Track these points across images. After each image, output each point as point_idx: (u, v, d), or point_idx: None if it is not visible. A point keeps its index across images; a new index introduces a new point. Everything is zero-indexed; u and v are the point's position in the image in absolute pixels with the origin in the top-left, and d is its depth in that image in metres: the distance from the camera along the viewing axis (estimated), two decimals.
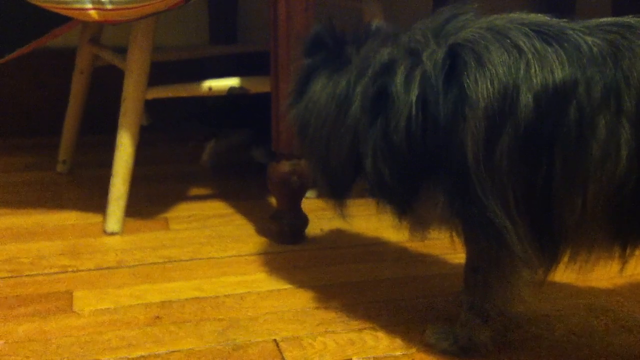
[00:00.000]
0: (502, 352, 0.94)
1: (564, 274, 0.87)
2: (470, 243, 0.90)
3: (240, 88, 1.32)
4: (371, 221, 1.37)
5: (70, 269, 1.15)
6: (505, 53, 0.79)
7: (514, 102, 0.78)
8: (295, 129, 0.96)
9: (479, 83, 0.79)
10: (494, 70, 0.79)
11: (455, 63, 0.81)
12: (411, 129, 0.82)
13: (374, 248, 1.26)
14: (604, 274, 0.86)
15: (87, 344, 0.94)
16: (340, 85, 0.89)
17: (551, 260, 0.85)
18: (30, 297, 1.06)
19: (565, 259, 0.85)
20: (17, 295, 1.07)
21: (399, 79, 0.83)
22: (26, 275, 1.13)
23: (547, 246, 0.84)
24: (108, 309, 1.03)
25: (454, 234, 0.89)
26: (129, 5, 1.16)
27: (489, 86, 0.78)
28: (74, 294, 1.07)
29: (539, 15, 0.83)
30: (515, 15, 0.84)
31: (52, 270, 1.15)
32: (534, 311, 1.04)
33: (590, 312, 1.04)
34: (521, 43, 0.79)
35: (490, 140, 0.79)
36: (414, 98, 0.82)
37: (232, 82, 1.32)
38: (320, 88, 0.91)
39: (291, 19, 1.16)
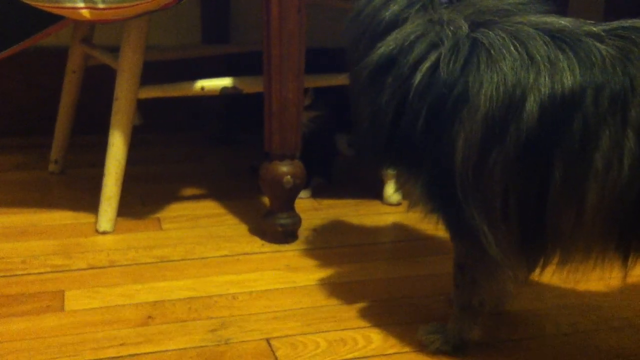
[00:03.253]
0: (493, 352, 0.94)
1: (554, 274, 0.88)
2: (454, 239, 0.91)
3: (233, 88, 1.32)
4: (364, 221, 1.38)
5: (62, 269, 1.15)
6: (518, 61, 0.79)
7: (518, 110, 0.78)
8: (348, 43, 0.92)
9: (484, 87, 0.79)
10: (502, 77, 0.79)
11: (469, 59, 0.81)
12: (405, 107, 0.83)
13: (367, 248, 1.27)
14: (593, 274, 0.87)
15: (79, 343, 0.94)
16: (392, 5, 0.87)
17: (536, 264, 0.86)
18: (21, 296, 1.06)
19: (554, 263, 0.85)
20: (8, 295, 1.06)
21: (413, 57, 0.83)
22: (18, 275, 1.13)
23: (534, 251, 0.84)
24: (100, 308, 1.03)
25: (438, 227, 0.91)
26: (121, 5, 1.16)
27: (494, 92, 0.78)
28: (65, 293, 1.07)
29: (566, 19, 0.83)
30: (546, 18, 0.83)
31: (44, 270, 1.15)
32: (524, 311, 1.04)
33: (580, 311, 1.05)
34: (535, 52, 0.79)
35: (485, 147, 0.79)
36: (417, 80, 0.82)
37: (225, 82, 1.32)
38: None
39: (284, 19, 1.17)
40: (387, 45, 0.85)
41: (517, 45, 0.80)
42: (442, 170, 0.83)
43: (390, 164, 0.94)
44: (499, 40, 0.81)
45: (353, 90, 0.92)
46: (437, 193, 0.86)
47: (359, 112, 0.90)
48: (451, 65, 0.81)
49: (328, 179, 1.54)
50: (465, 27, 0.83)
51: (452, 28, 0.83)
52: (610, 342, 0.97)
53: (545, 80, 0.78)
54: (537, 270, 0.88)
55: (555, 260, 0.85)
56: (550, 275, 0.89)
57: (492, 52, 0.80)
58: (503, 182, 0.80)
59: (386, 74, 0.85)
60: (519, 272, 0.91)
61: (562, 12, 0.85)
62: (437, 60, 0.82)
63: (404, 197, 0.96)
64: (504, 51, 0.80)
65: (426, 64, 0.82)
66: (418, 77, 0.82)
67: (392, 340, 0.96)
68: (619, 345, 0.97)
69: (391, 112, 0.85)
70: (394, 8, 0.86)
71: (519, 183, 0.80)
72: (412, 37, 0.84)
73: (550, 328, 1.00)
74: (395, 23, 0.86)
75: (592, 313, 1.04)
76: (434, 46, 0.83)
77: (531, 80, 0.78)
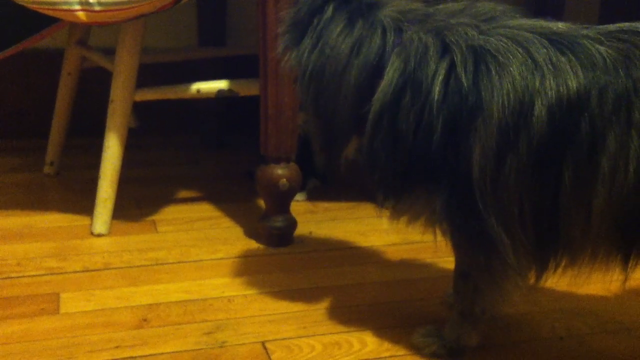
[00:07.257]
0: (488, 355, 0.94)
1: (551, 278, 0.88)
2: (460, 249, 0.90)
3: (229, 91, 1.32)
4: (359, 224, 1.38)
5: (57, 271, 1.15)
6: (524, 66, 0.78)
7: (528, 116, 0.77)
8: (301, 72, 0.89)
9: (495, 95, 0.78)
10: (511, 84, 0.78)
11: (478, 68, 0.80)
12: (423, 124, 0.81)
13: (362, 251, 1.27)
14: (588, 278, 0.87)
15: (74, 346, 0.94)
16: (369, 43, 0.84)
17: (547, 269, 0.86)
18: (17, 298, 1.06)
19: (561, 267, 0.85)
20: (3, 297, 1.06)
21: (430, 69, 0.81)
22: (13, 277, 1.12)
23: (546, 256, 0.84)
24: (95, 311, 1.03)
25: (437, 234, 0.90)
26: (117, 7, 1.16)
27: (505, 99, 0.78)
28: (60, 295, 1.07)
29: (558, 23, 0.82)
30: (539, 23, 0.83)
31: (39, 272, 1.14)
32: (519, 314, 1.04)
33: (575, 315, 1.05)
34: (538, 56, 0.78)
35: (500, 155, 0.79)
36: (436, 95, 0.80)
37: (221, 84, 1.32)
38: (339, 33, 0.85)
39: (280, 22, 1.17)
40: (393, 74, 0.83)
41: (520, 49, 0.79)
42: (460, 184, 0.81)
43: (407, 189, 0.89)
44: (503, 46, 0.80)
45: (367, 131, 0.86)
46: (455, 206, 0.84)
47: (374, 148, 0.86)
48: (463, 75, 0.80)
49: (323, 181, 1.54)
50: (473, 34, 0.81)
51: (458, 37, 0.81)
52: (606, 346, 0.97)
53: (550, 83, 0.77)
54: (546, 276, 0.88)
55: (562, 264, 0.85)
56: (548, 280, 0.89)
57: (499, 57, 0.79)
58: (518, 189, 0.79)
59: (402, 99, 0.83)
60: (527, 279, 0.90)
61: (558, 13, 0.85)
62: (450, 71, 0.80)
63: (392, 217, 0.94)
64: (511, 56, 0.79)
65: (440, 77, 0.81)
66: (435, 91, 0.80)
67: (387, 344, 0.96)
68: (614, 349, 0.97)
69: (412, 132, 0.82)
70: (376, 42, 0.84)
71: (533, 189, 0.79)
72: (423, 52, 0.82)
73: (545, 331, 1.01)
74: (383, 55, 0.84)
75: (587, 316, 1.04)
76: (443, 56, 0.81)
77: (537, 84, 0.78)
